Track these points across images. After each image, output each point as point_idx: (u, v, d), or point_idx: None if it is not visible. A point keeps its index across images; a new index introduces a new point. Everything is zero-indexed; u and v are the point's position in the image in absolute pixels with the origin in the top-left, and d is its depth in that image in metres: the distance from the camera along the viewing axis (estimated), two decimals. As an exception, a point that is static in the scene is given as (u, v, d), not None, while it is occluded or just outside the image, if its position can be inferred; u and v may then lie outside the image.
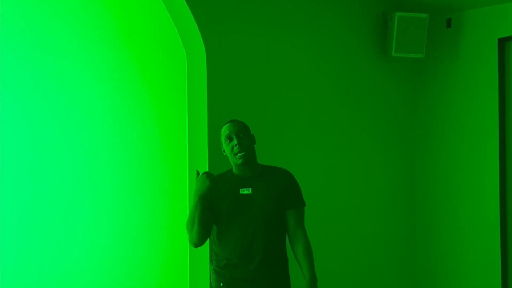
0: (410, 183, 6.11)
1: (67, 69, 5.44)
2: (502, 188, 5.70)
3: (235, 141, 3.73)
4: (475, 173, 5.82)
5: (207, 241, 4.53)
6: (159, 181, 5.54)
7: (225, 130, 3.81)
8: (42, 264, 5.32)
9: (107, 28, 5.53)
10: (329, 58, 5.54)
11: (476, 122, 5.82)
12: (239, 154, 3.72)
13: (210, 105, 4.72)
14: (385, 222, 5.90)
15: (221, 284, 3.73)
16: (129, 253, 5.48)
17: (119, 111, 5.53)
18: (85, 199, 5.44)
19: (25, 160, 5.31)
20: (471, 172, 5.85)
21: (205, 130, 4.70)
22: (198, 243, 3.75)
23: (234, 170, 3.82)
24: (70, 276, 5.36)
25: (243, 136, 3.75)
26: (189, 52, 4.93)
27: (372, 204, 5.80)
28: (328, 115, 5.52)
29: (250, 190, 3.73)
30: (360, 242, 5.69)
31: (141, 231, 5.50)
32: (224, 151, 3.84)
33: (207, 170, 4.67)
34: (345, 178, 5.60)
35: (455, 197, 5.94)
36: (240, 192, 3.73)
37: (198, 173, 3.72)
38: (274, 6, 5.17)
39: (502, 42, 5.72)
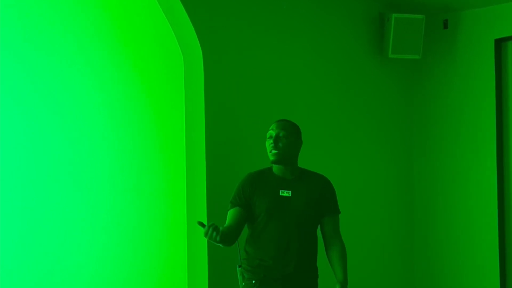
0: (408, 185, 6.11)
1: (65, 70, 5.43)
2: (500, 189, 5.70)
3: (272, 140, 3.75)
4: (473, 174, 5.83)
5: (204, 242, 4.55)
6: (157, 181, 5.54)
7: (270, 127, 3.82)
8: (41, 264, 5.30)
9: (104, 30, 5.53)
10: (326, 60, 5.54)
11: (474, 123, 5.82)
12: (272, 152, 3.73)
13: (207, 106, 4.72)
14: (383, 221, 5.90)
15: (254, 282, 3.73)
16: (128, 253, 5.48)
17: (117, 112, 5.53)
18: (83, 200, 5.43)
19: (23, 160, 5.30)
20: (469, 173, 5.85)
21: (203, 131, 4.69)
22: (227, 246, 3.72)
23: (274, 169, 3.82)
24: (69, 276, 5.35)
25: (283, 136, 3.75)
26: (185, 53, 4.93)
27: (369, 204, 5.80)
28: (325, 117, 5.51)
29: (290, 193, 3.74)
30: (357, 240, 5.67)
31: (139, 231, 5.49)
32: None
33: (204, 172, 4.67)
34: (342, 179, 5.58)
35: (453, 198, 5.94)
36: (280, 194, 3.74)
37: (202, 225, 3.46)
38: (271, 7, 5.17)
39: (498, 42, 5.73)
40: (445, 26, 5.97)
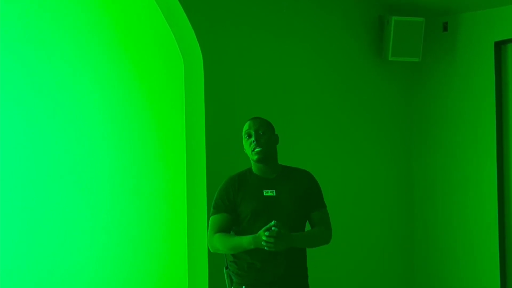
0: (408, 187, 6.10)
1: (65, 72, 5.44)
2: (500, 190, 5.69)
3: (253, 138, 3.64)
4: (473, 176, 5.81)
5: (205, 243, 4.55)
6: (157, 182, 5.54)
7: (245, 127, 3.71)
8: (41, 265, 5.30)
9: (104, 32, 5.54)
10: (326, 63, 5.55)
11: (473, 125, 5.81)
12: (255, 150, 3.63)
13: (207, 107, 4.73)
14: (382, 223, 5.90)
15: (244, 287, 3.63)
16: (128, 253, 5.47)
17: (118, 113, 5.54)
18: (84, 200, 5.43)
19: (23, 161, 5.31)
20: (469, 175, 5.84)
21: (203, 132, 4.71)
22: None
23: (254, 170, 3.72)
24: (69, 277, 5.34)
25: (263, 133, 3.65)
26: (185, 55, 4.93)
27: (370, 205, 5.80)
28: (325, 120, 5.52)
29: (274, 192, 3.64)
30: (357, 240, 5.69)
31: (139, 233, 5.49)
32: (244, 149, 3.75)
33: (205, 174, 4.67)
34: (343, 181, 5.59)
35: (453, 200, 5.93)
36: (264, 194, 3.64)
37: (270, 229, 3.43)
38: (271, 9, 5.19)
39: (498, 45, 5.72)
40: (445, 28, 5.97)
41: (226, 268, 3.75)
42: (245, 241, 3.52)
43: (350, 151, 5.67)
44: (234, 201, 3.65)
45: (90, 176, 5.44)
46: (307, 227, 3.78)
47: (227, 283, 3.74)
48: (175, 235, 5.42)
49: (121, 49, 5.56)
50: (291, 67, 5.30)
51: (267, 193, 3.64)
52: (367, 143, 5.79)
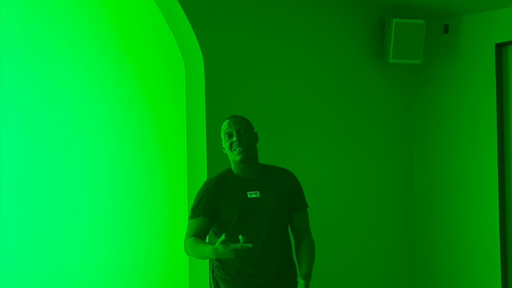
0: (409, 188, 6.10)
1: (65, 75, 5.41)
2: (501, 195, 5.69)
3: (234, 138, 3.52)
4: (474, 177, 5.82)
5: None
6: (158, 184, 5.52)
7: (225, 126, 3.59)
8: (40, 271, 5.26)
9: (105, 35, 5.53)
10: (328, 65, 5.54)
11: (474, 127, 5.81)
12: (238, 150, 3.50)
13: (208, 110, 4.71)
14: (384, 225, 5.90)
15: None
16: (128, 256, 5.45)
17: (118, 115, 5.52)
18: (84, 203, 5.40)
19: (22, 164, 5.27)
20: (470, 176, 5.84)
21: (204, 135, 4.69)
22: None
23: (235, 171, 3.59)
24: (70, 280, 5.31)
25: (244, 132, 3.53)
26: (186, 57, 4.92)
27: (371, 207, 5.80)
28: (326, 121, 5.51)
29: (258, 194, 3.52)
30: (358, 243, 5.70)
31: (140, 234, 5.47)
32: (223, 148, 3.63)
33: (206, 177, 4.65)
34: (343, 183, 5.59)
35: (454, 203, 5.93)
36: (248, 196, 3.52)
37: (225, 242, 3.15)
38: (272, 11, 5.19)
39: (499, 47, 5.72)
40: (446, 31, 5.97)
41: (212, 272, 3.64)
42: (207, 251, 3.28)
43: (352, 152, 5.67)
44: (215, 205, 3.51)
45: (90, 177, 5.41)
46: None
47: (214, 287, 3.63)
48: (176, 236, 5.39)
49: (121, 50, 5.54)
50: (292, 68, 5.29)
51: (251, 194, 3.53)
52: (368, 144, 5.78)
